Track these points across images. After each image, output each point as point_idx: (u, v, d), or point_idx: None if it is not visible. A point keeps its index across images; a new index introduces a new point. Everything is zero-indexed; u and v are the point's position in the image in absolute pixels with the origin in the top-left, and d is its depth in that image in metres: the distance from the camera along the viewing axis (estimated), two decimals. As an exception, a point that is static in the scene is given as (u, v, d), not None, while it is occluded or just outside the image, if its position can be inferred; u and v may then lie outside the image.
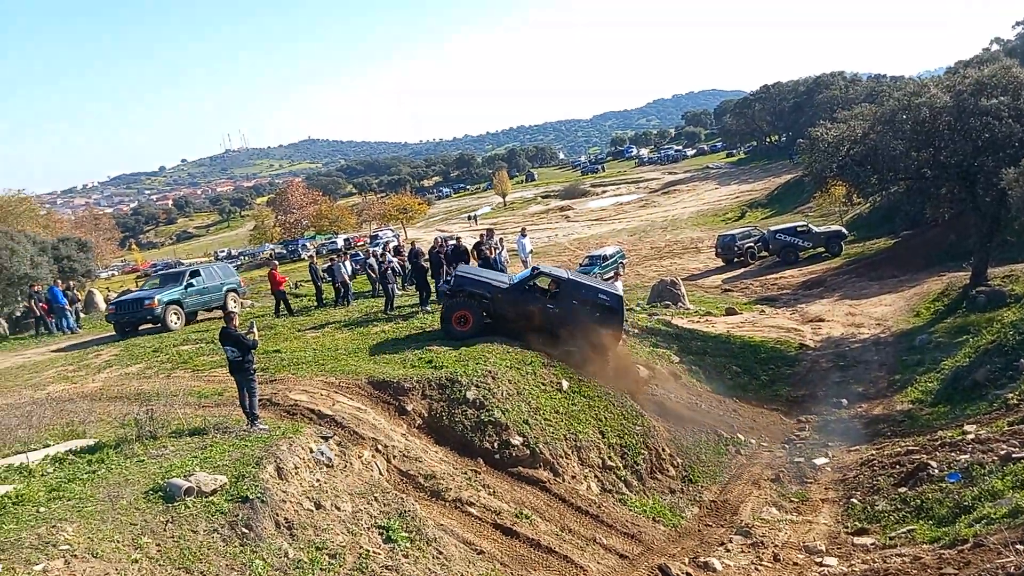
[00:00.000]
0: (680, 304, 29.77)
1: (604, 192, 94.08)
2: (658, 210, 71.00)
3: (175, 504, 7.80)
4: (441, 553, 9.24)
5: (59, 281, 27.46)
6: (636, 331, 22.01)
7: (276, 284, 22.32)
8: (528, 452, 13.13)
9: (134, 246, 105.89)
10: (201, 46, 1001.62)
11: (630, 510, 12.95)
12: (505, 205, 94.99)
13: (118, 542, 7.03)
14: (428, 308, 19.53)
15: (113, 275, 66.44)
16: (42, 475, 8.66)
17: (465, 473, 12.20)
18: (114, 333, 21.14)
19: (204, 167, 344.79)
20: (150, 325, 21.12)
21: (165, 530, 7.42)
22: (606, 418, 14.85)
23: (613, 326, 16.23)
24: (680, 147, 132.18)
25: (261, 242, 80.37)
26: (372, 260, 24.00)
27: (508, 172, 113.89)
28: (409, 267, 22.27)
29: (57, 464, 9.06)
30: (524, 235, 22.86)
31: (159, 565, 6.94)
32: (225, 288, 23.30)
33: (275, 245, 76.25)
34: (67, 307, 23.72)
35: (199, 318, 22.88)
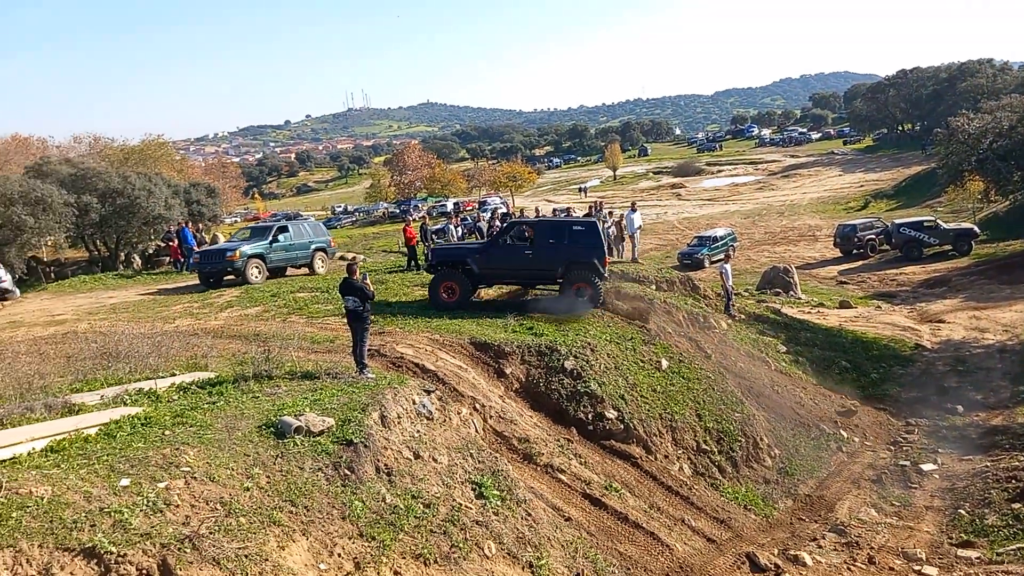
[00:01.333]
0: (791, 293, 28.85)
1: (719, 171, 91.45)
2: (776, 193, 68.49)
3: (285, 441, 8.25)
4: (530, 515, 9.42)
5: (189, 223, 29.16)
6: (742, 316, 21.49)
7: (409, 239, 23.13)
8: (622, 427, 13.13)
9: (257, 195, 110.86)
10: (326, 7, 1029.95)
11: (721, 495, 12.79)
12: (615, 179, 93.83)
13: (232, 469, 7.51)
14: None
15: (236, 221, 69.74)
16: (168, 401, 9.31)
17: (558, 440, 12.34)
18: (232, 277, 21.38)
19: (327, 124, 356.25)
20: (232, 277, 21.14)
21: (275, 464, 7.87)
22: (704, 401, 14.65)
23: (594, 252, 16.46)
24: (805, 129, 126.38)
25: (376, 200, 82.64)
26: (483, 224, 24.31)
27: (621, 145, 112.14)
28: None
29: (181, 392, 9.72)
30: (634, 210, 22.61)
31: (267, 495, 7.38)
32: (313, 247, 23.27)
33: (389, 204, 78.25)
34: (195, 248, 25.09)
35: (288, 274, 22.92)
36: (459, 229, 24.08)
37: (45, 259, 35.05)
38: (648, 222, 50.03)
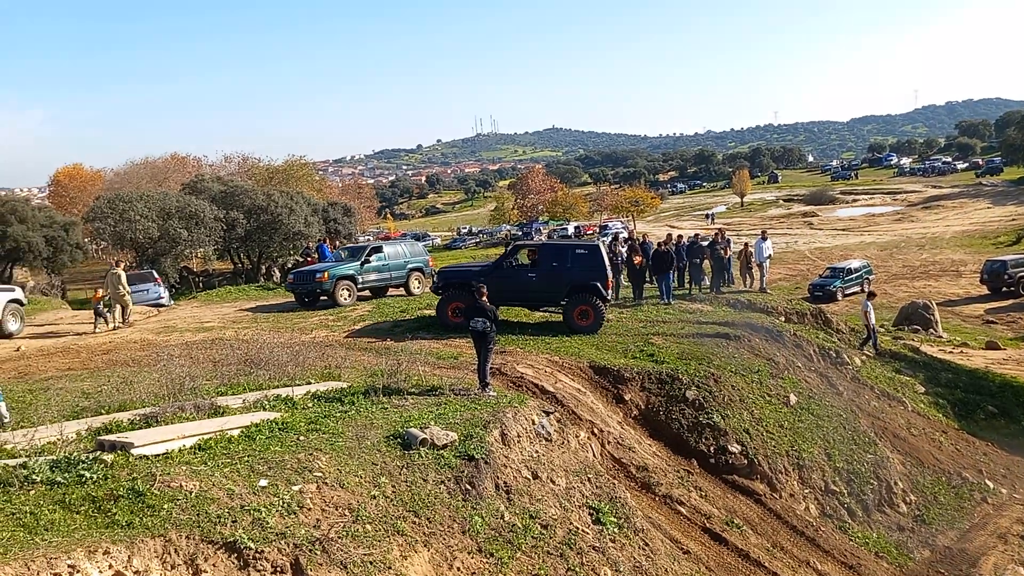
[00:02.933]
0: (931, 330, 27.14)
1: (855, 201, 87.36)
2: (916, 225, 64.65)
3: (410, 452, 8.50)
4: (647, 545, 9.26)
5: (327, 240, 30.67)
6: (874, 353, 20.38)
7: None
8: (745, 462, 12.72)
9: (388, 215, 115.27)
10: (458, 36, 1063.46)
11: (851, 540, 12.14)
12: (743, 205, 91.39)
13: (361, 477, 7.81)
14: (637, 302, 19.58)
15: (369, 239, 72.69)
16: (303, 408, 9.80)
17: (677, 471, 12.09)
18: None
19: (456, 148, 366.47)
20: (324, 298, 20.86)
21: (400, 474, 8.12)
22: (834, 440, 13.99)
23: (597, 275, 16.43)
24: (949, 159, 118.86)
25: (499, 223, 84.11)
26: (608, 244, 24.22)
27: (749, 172, 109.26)
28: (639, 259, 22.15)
29: (316, 400, 10.21)
30: (764, 238, 21.95)
31: (392, 504, 7.63)
32: (409, 267, 22.76)
33: (511, 226, 79.47)
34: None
35: (388, 294, 22.79)
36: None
37: (195, 269, 37.72)
38: (778, 251, 48.39)
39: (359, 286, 21.42)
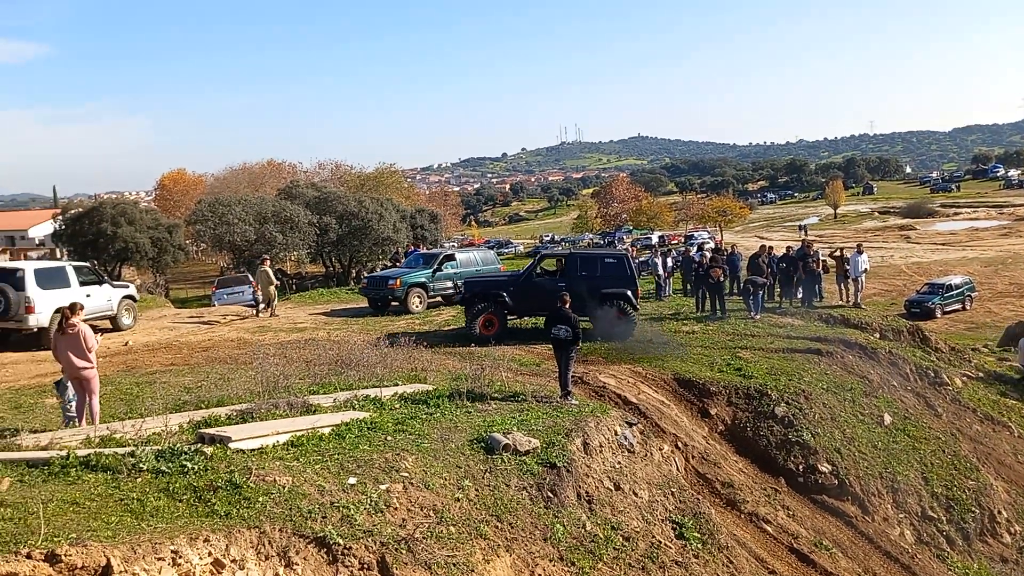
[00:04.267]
0: (1042, 352, 25.52)
1: (956, 214, 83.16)
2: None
3: (493, 457, 8.59)
4: (731, 563, 9.06)
5: (412, 246, 31.29)
6: (980, 374, 19.36)
7: None
8: (836, 482, 12.31)
9: (473, 222, 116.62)
10: (544, 45, 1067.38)
11: (949, 569, 11.58)
12: (836, 217, 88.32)
13: (445, 479, 7.94)
14: (720, 316, 19.05)
15: (454, 246, 73.73)
16: (391, 409, 10.02)
17: (764, 489, 11.79)
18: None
19: (540, 156, 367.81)
20: (395, 304, 21.05)
21: (483, 478, 8.21)
22: (932, 464, 13.38)
23: (627, 284, 16.32)
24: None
25: (582, 231, 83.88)
26: (694, 254, 23.88)
27: (844, 183, 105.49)
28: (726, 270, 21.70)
29: (403, 402, 10.42)
30: (860, 252, 21.19)
31: (476, 507, 7.72)
32: None
33: (593, 235, 79.11)
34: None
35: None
36: (668, 260, 23.83)
37: (289, 272, 39.03)
38: (873, 264, 46.62)
39: (430, 293, 21.66)
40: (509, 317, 16.76)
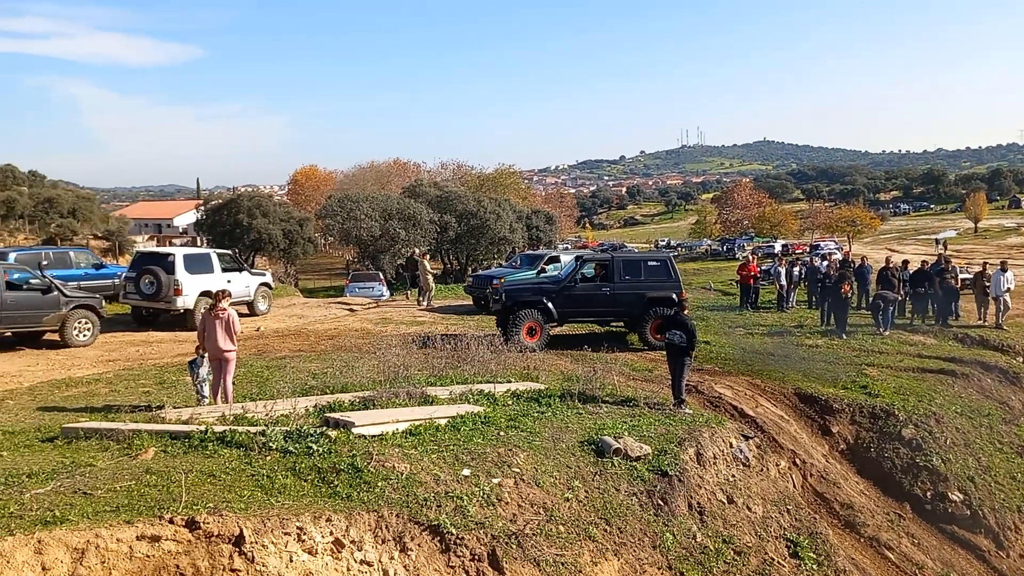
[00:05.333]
0: None
1: (1121, 232, 75.83)
2: None
3: (604, 460, 8.59)
4: (848, 588, 8.70)
5: (525, 247, 31.56)
6: None
7: (745, 278, 22.76)
8: (968, 512, 11.57)
9: (587, 225, 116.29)
10: (667, 48, 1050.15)
11: (1094, 618, 10.63)
12: (976, 231, 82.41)
13: (555, 478, 8.01)
14: (843, 334, 18.08)
15: (567, 248, 73.88)
16: (504, 405, 10.19)
17: (887, 514, 11.23)
18: None
19: (659, 159, 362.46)
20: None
21: (593, 480, 8.23)
22: (1081, 501, 12.30)
23: (673, 287, 15.85)
24: None
25: (700, 237, 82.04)
26: (823, 264, 22.92)
27: (987, 195, 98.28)
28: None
29: (515, 399, 10.57)
30: (1004, 269, 19.72)
31: (585, 509, 7.75)
32: None
33: (712, 241, 77.23)
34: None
35: None
36: (794, 270, 22.93)
37: (405, 269, 40.17)
38: (1018, 284, 43.33)
39: None
40: (552, 325, 16.13)
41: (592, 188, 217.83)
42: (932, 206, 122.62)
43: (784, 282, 22.57)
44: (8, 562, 5.03)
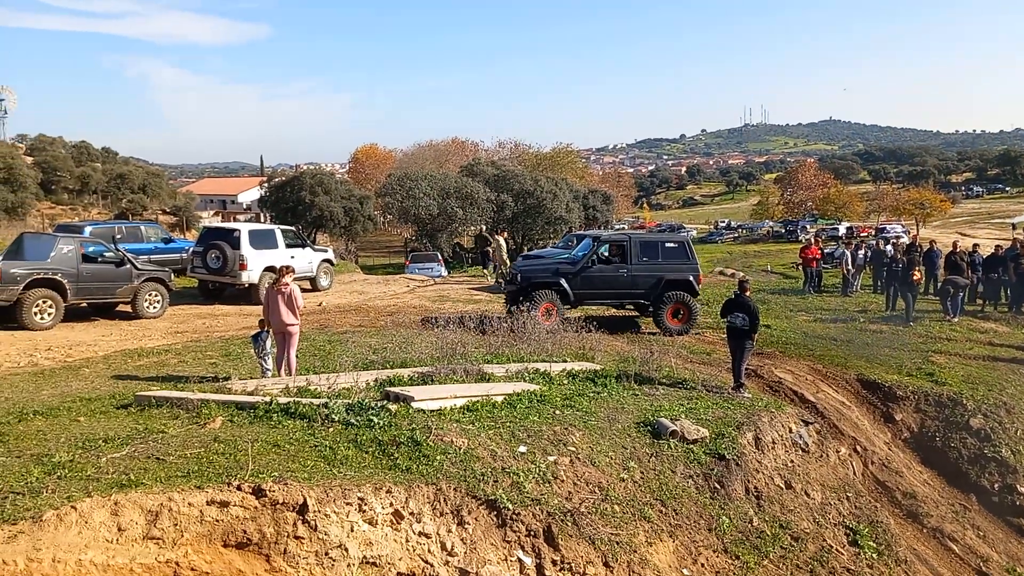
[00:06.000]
0: None
1: None
2: None
3: (660, 442, 8.57)
4: (909, 578, 8.53)
5: (582, 227, 31.41)
6: None
7: (808, 261, 22.37)
8: (1038, 506, 11.16)
9: (645, 205, 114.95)
10: (730, 25, 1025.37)
11: None
12: (1058, 215, 78.72)
13: (611, 458, 8.03)
14: (911, 321, 17.49)
15: (623, 228, 73.25)
16: (559, 384, 10.23)
17: (951, 505, 10.94)
18: None
19: (720, 139, 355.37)
20: None
21: (649, 461, 8.22)
22: None
23: (690, 270, 15.59)
24: None
25: (761, 218, 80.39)
26: (889, 248, 22.26)
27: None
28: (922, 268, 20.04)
29: (570, 379, 10.60)
30: (1086, 257, 18.85)
31: (640, 490, 7.75)
32: None
33: (774, 223, 75.59)
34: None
35: None
36: (859, 254, 22.32)
37: (466, 246, 40.44)
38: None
39: None
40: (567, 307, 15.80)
41: (651, 167, 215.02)
42: (1008, 188, 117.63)
43: (850, 266, 22.02)
44: (86, 522, 5.29)
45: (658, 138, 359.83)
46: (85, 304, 14.90)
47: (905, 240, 30.18)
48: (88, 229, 18.54)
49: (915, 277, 17.88)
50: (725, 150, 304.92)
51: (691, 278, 15.58)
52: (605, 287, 15.50)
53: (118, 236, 18.50)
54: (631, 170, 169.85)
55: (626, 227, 75.89)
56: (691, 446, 8.62)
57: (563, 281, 15.19)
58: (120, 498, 5.50)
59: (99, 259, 14.67)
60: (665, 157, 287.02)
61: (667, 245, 16.10)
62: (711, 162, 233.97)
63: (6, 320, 13.56)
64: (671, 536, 7.28)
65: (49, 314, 13.72)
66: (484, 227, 25.30)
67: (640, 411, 9.36)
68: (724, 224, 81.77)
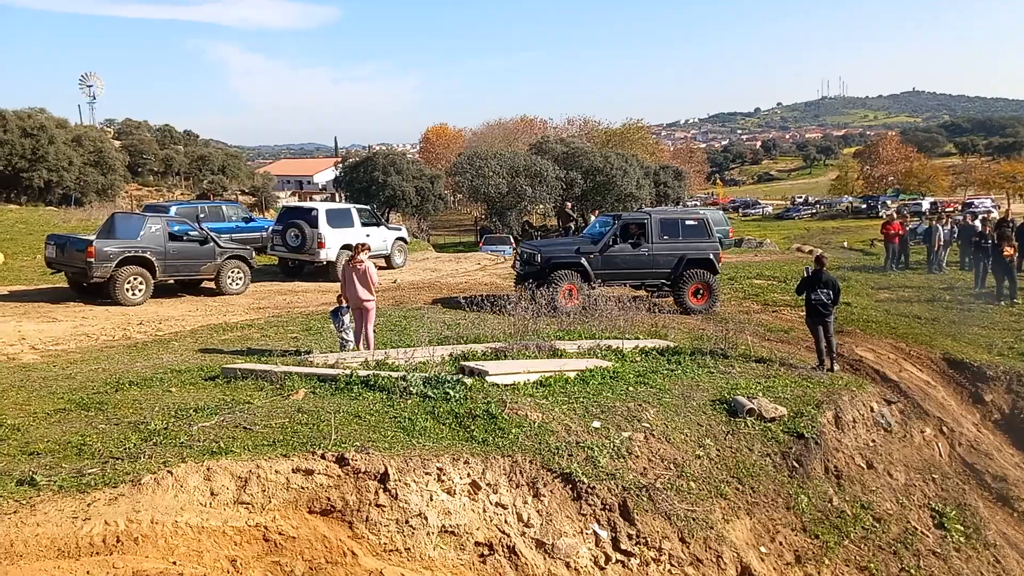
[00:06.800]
0: None
1: None
2: None
3: (736, 420, 8.45)
4: (999, 562, 8.23)
5: (652, 203, 30.99)
6: None
7: (891, 237, 21.71)
8: None
9: (718, 181, 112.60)
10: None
11: None
12: None
13: (686, 435, 7.97)
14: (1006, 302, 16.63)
15: (696, 204, 71.98)
16: (632, 361, 10.18)
17: (1045, 489, 10.46)
18: None
19: (797, 112, 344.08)
20: None
21: (725, 439, 8.13)
22: None
23: (710, 248, 15.42)
24: None
25: (840, 193, 77.87)
26: (978, 223, 21.30)
27: None
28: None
29: (643, 356, 10.54)
30: None
31: (716, 467, 7.68)
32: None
33: (854, 198, 73.10)
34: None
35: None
36: (945, 229, 21.40)
37: (534, 224, 40.45)
38: None
39: None
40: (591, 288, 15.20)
41: (724, 142, 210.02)
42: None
43: (936, 241, 21.15)
44: (182, 486, 5.56)
45: (732, 112, 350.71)
46: (172, 281, 15.53)
47: (995, 215, 28.78)
48: (173, 209, 19.29)
49: (1007, 253, 17.02)
50: (802, 123, 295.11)
51: (711, 256, 15.41)
52: (626, 267, 15.24)
53: (201, 216, 19.19)
54: (703, 145, 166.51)
55: (698, 203, 74.60)
56: (769, 424, 8.49)
57: (584, 261, 14.95)
58: (212, 464, 5.75)
59: (184, 238, 15.25)
60: (739, 131, 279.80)
61: (687, 223, 15.84)
62: (787, 136, 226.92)
63: (101, 296, 14.26)
64: (748, 514, 7.21)
65: (140, 290, 14.36)
66: (570, 204, 25.18)
67: (716, 389, 9.24)
68: (801, 200, 79.58)
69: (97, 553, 4.87)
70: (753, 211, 76.89)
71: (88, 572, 4.49)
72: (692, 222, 15.82)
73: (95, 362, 9.57)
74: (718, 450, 7.94)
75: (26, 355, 10.20)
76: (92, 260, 13.71)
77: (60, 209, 31.62)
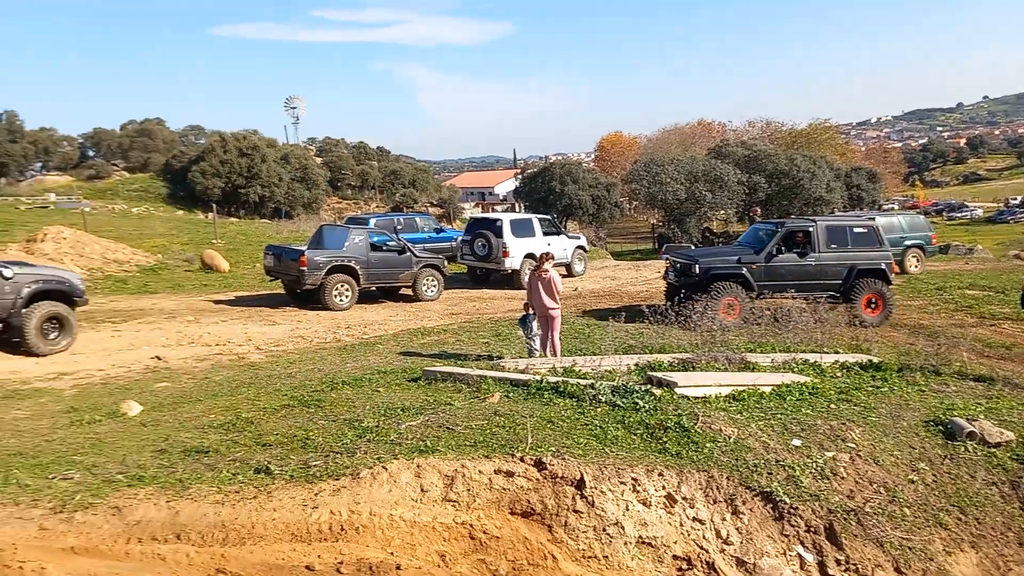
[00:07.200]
0: None
1: None
2: None
3: (954, 443, 7.76)
4: None
5: (845, 207, 29.19)
6: None
7: None
8: None
9: (918, 182, 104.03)
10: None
11: None
12: None
13: (897, 458, 7.42)
14: None
15: (893, 208, 66.94)
16: (832, 377, 9.63)
17: None
18: None
19: (1007, 105, 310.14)
20: None
21: (942, 464, 7.49)
22: None
23: (882, 257, 14.55)
24: None
25: (1064, 193, 69.46)
26: None
27: None
28: None
29: (844, 371, 9.94)
30: None
31: (932, 494, 7.09)
32: (906, 243, 20.77)
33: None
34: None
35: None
36: None
37: (715, 230, 39.38)
38: None
39: None
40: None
41: (922, 140, 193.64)
42: None
43: None
44: (395, 481, 5.94)
45: (930, 108, 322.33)
46: (374, 288, 16.63)
47: None
48: (372, 221, 20.67)
49: None
50: (1013, 118, 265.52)
51: (883, 265, 14.42)
52: (791, 277, 14.41)
53: (398, 227, 20.42)
54: (899, 144, 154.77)
55: (895, 207, 69.29)
56: (993, 450, 7.72)
57: (746, 271, 14.24)
58: (421, 462, 6.11)
59: (384, 248, 16.30)
60: (939, 128, 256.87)
61: (856, 231, 14.91)
62: (997, 132, 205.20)
63: (312, 301, 15.55)
64: (973, 547, 6.60)
65: (346, 296, 15.53)
66: (757, 209, 24.40)
67: (928, 409, 8.54)
68: (1016, 202, 71.85)
69: (325, 539, 5.32)
70: (959, 214, 70.45)
71: (320, 556, 4.90)
72: (861, 230, 15.04)
73: (311, 362, 10.46)
74: (934, 476, 7.33)
75: (253, 355, 11.33)
76: (305, 269, 14.98)
77: (272, 221, 34.81)
